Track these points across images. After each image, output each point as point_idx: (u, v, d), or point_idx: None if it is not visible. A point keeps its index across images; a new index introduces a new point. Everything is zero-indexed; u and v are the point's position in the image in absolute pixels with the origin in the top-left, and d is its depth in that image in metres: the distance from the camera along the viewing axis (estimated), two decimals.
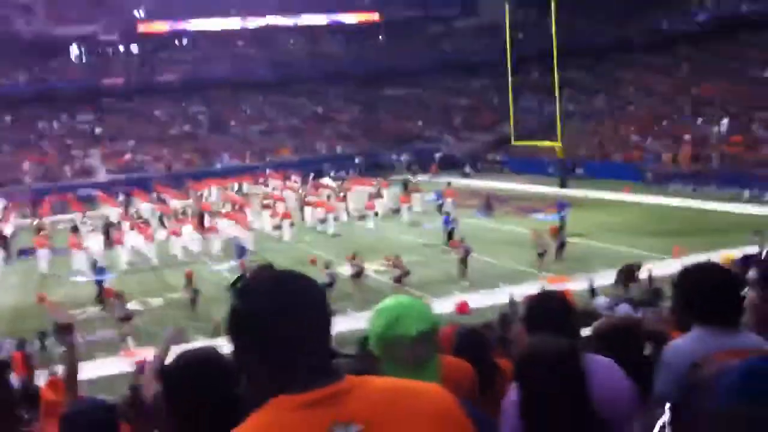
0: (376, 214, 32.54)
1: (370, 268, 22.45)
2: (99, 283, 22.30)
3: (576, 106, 54.47)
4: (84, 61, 64.99)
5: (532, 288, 18.18)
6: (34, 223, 35.04)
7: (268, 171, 48.60)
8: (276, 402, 1.58)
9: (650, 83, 51.61)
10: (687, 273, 3.15)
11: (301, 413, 1.55)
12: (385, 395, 1.61)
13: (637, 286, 17.37)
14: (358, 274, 21.06)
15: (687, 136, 39.70)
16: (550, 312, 3.10)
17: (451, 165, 51.95)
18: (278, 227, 30.95)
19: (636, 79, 53.95)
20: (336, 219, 31.83)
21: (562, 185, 38.30)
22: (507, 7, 44.20)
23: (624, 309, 8.86)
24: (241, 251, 24.38)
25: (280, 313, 1.59)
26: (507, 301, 17.65)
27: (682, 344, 2.94)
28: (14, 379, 4.69)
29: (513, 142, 45.78)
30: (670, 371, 2.80)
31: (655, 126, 44.03)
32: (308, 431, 1.54)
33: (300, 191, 37.84)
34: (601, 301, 12.66)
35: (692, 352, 2.72)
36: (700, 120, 41.82)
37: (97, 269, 24.02)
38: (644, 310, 9.72)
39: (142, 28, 63.22)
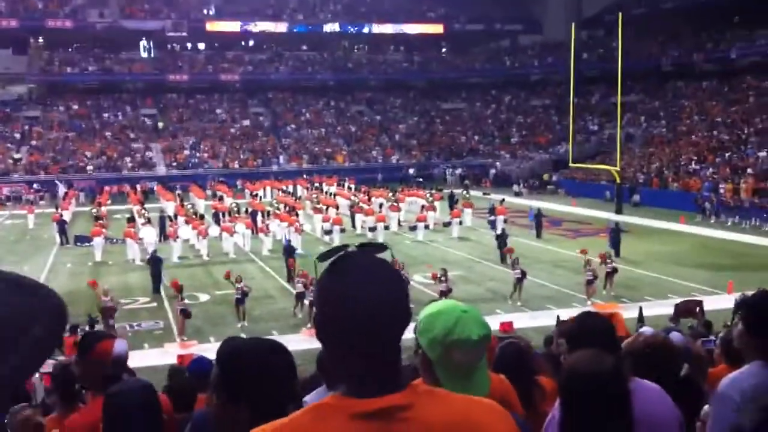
0: (427, 226, 32.49)
1: (416, 278, 22.49)
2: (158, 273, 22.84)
3: (636, 130, 53.65)
4: (151, 55, 66.38)
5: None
6: (93, 211, 35.77)
7: (313, 175, 49.33)
8: (331, 404, 1.52)
9: (713, 112, 50.50)
10: (751, 303, 3.06)
11: (353, 425, 1.47)
12: (447, 418, 1.52)
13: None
14: None
15: (749, 169, 38.76)
16: (594, 331, 3.05)
17: (504, 182, 51.64)
18: (329, 232, 31.07)
19: (699, 107, 52.87)
20: (386, 228, 31.83)
21: (618, 211, 37.64)
22: (573, 26, 43.76)
23: (676, 337, 8.64)
24: (290, 252, 24.56)
25: (366, 305, 1.50)
26: (554, 323, 17.46)
27: (740, 377, 2.85)
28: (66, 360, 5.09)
29: (570, 164, 45.23)
30: (728, 404, 2.72)
31: (716, 156, 43.08)
32: None
33: (352, 198, 37.95)
34: (648, 330, 12.39)
35: (753, 386, 2.64)
36: (764, 152, 40.76)
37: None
38: (693, 341, 9.48)
39: (209, 26, 64.24)
